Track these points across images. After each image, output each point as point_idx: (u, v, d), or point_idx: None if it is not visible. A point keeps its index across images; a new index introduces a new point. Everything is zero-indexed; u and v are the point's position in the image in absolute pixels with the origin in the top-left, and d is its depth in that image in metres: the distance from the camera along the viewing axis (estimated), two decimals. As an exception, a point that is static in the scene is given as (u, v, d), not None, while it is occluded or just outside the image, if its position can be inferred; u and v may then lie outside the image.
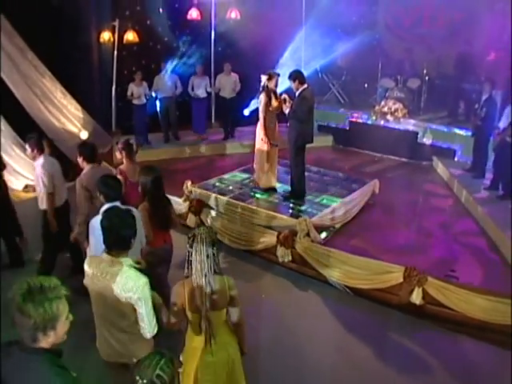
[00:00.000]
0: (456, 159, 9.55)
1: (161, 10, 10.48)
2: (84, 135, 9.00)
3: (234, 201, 6.93)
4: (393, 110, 10.15)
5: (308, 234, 6.08)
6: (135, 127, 9.91)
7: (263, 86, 6.85)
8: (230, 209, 6.87)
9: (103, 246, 2.99)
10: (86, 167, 4.89)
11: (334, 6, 10.86)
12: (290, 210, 6.81)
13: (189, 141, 10.48)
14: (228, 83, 10.19)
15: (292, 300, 5.60)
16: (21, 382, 2.00)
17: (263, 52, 10.03)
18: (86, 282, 3.06)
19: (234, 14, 10.56)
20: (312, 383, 4.37)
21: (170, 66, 10.08)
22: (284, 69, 7.95)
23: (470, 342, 4.88)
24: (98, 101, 9.84)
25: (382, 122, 10.35)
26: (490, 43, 9.10)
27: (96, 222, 3.76)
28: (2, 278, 4.77)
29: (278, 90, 7.04)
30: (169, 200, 4.58)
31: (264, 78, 6.83)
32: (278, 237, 6.07)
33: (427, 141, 9.97)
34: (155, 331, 2.98)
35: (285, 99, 6.77)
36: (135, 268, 2.98)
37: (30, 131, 5.56)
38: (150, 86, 9.73)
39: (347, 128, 11.04)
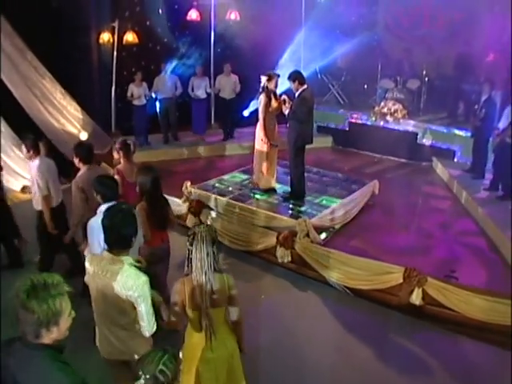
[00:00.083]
0: (455, 160, 9.56)
1: (160, 11, 10.47)
2: (83, 136, 8.99)
3: (233, 201, 6.93)
4: (392, 110, 10.16)
5: (308, 235, 6.08)
6: (135, 128, 9.91)
7: (263, 87, 6.85)
8: (230, 209, 6.86)
9: (102, 247, 3.00)
10: (83, 168, 4.88)
11: (334, 7, 10.92)
12: (290, 211, 6.81)
13: (188, 142, 10.47)
14: (228, 84, 10.19)
15: (292, 301, 5.59)
16: (23, 378, 2.03)
17: (263, 53, 10.02)
18: (86, 279, 3.09)
19: (233, 15, 10.56)
20: (312, 384, 4.37)
21: (169, 66, 10.08)
22: (284, 70, 7.94)
23: (469, 342, 4.88)
24: (97, 102, 9.84)
25: (382, 123, 10.36)
26: (490, 44, 9.10)
27: (94, 222, 3.77)
28: (2, 278, 4.77)
29: (278, 91, 7.04)
30: (166, 200, 4.60)
31: (264, 78, 6.83)
32: (277, 237, 6.07)
33: (427, 141, 9.98)
34: (154, 330, 3.00)
35: (284, 100, 6.77)
36: (135, 267, 2.99)
37: (30, 132, 5.55)
38: (150, 87, 9.74)
39: (347, 129, 11.05)
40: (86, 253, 3.73)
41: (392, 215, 7.36)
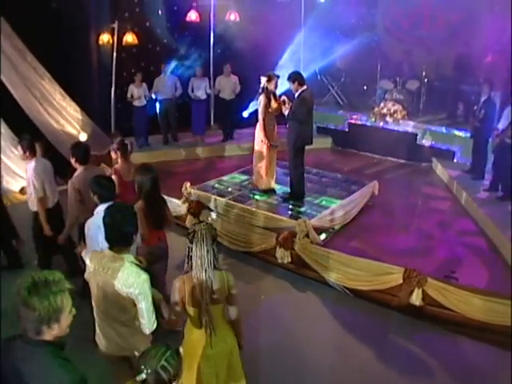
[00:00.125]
0: (455, 161, 9.55)
1: (160, 12, 10.47)
2: (83, 137, 9.00)
3: (233, 202, 6.93)
4: (392, 111, 10.15)
5: (307, 236, 6.08)
6: (135, 129, 9.91)
7: (262, 88, 6.85)
8: (229, 210, 6.86)
9: (100, 247, 3.01)
10: (79, 169, 4.88)
11: (333, 8, 10.91)
12: (290, 212, 6.80)
13: (188, 143, 10.48)
14: (228, 85, 10.19)
15: (291, 301, 5.59)
16: (25, 374, 2.05)
17: (262, 54, 10.03)
18: (86, 276, 3.12)
19: (233, 16, 10.56)
20: (311, 385, 4.36)
21: (169, 67, 10.09)
22: (283, 71, 7.94)
23: (469, 343, 4.88)
24: (97, 103, 9.85)
25: (381, 124, 10.35)
26: (489, 45, 9.11)
27: (91, 223, 3.78)
28: (2, 279, 4.76)
29: (278, 92, 7.05)
30: (164, 199, 4.61)
31: (263, 79, 6.83)
32: (277, 238, 6.07)
33: (426, 142, 9.98)
34: (154, 327, 3.03)
35: (284, 101, 6.77)
36: (136, 265, 3.02)
37: (29, 133, 5.54)
38: (150, 88, 9.73)
39: (346, 130, 11.04)
40: (83, 254, 3.73)
41: (392, 216, 7.35)
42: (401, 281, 5.17)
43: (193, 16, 10.43)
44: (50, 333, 2.06)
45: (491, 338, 4.79)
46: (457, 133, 9.53)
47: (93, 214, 3.90)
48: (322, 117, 11.04)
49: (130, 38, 9.83)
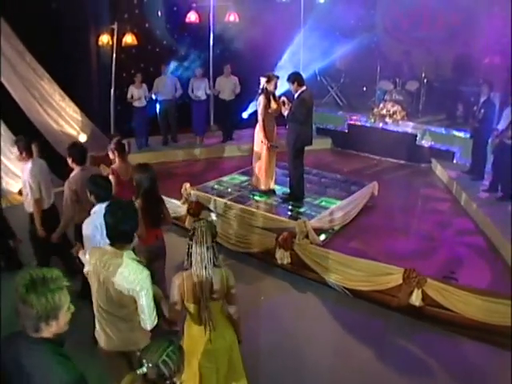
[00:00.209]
0: (455, 161, 9.55)
1: (159, 13, 10.48)
2: (82, 138, 9.00)
3: (232, 203, 6.92)
4: (391, 112, 10.16)
5: (307, 236, 6.07)
6: (135, 129, 9.91)
7: (262, 89, 6.85)
8: (229, 211, 6.85)
9: (98, 246, 3.02)
10: (76, 169, 4.88)
11: (333, 9, 10.90)
12: (289, 212, 6.80)
13: (187, 143, 10.48)
14: (228, 85, 10.20)
15: (291, 302, 5.58)
16: (24, 371, 2.07)
17: (262, 55, 10.03)
18: (86, 271, 3.17)
19: (232, 17, 10.57)
20: (311, 385, 4.36)
21: (169, 68, 10.09)
22: (283, 71, 7.94)
23: (469, 343, 4.87)
24: (96, 103, 9.85)
25: (381, 125, 10.35)
26: (489, 45, 9.11)
27: (88, 222, 3.79)
28: (1, 280, 4.76)
29: (277, 93, 7.04)
30: (161, 198, 4.64)
31: (263, 80, 6.83)
32: (276, 239, 6.06)
33: (426, 143, 9.98)
34: (155, 323, 3.05)
35: (284, 101, 6.77)
36: (137, 261, 3.05)
37: (29, 134, 5.54)
38: (150, 89, 9.73)
39: (346, 130, 11.04)
40: (80, 254, 3.73)
41: (391, 217, 7.35)
42: (400, 281, 5.17)
43: (192, 17, 10.44)
44: (49, 330, 2.08)
45: (491, 338, 4.79)
46: (456, 133, 9.53)
47: (89, 214, 3.91)
48: (322, 118, 11.04)
49: (129, 38, 9.83)
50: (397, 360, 4.63)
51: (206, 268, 3.03)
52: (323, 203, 7.05)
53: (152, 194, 4.39)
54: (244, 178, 8.00)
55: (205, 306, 3.07)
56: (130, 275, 2.92)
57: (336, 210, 6.80)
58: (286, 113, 6.74)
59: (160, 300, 3.18)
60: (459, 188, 8.13)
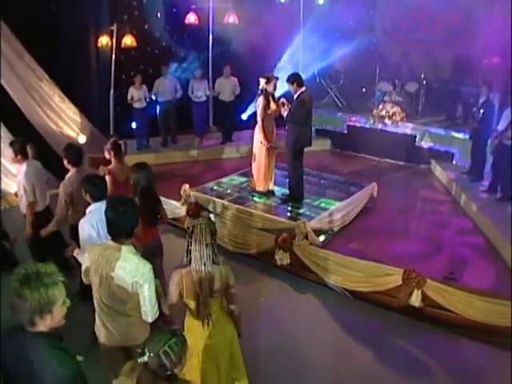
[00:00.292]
0: (454, 162, 9.54)
1: (159, 15, 10.48)
2: (82, 139, 9.00)
3: (232, 204, 6.92)
4: (391, 113, 10.16)
5: (306, 237, 6.06)
6: (136, 131, 9.91)
7: (261, 90, 6.86)
8: (228, 212, 6.84)
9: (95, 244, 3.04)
10: (71, 170, 4.89)
11: (332, 11, 10.91)
12: (289, 213, 6.80)
13: (187, 145, 10.46)
14: (227, 86, 10.20)
15: (290, 303, 5.58)
16: (22, 365, 2.10)
17: (261, 56, 10.03)
18: (86, 267, 3.19)
19: (231, 19, 10.57)
20: (311, 386, 4.35)
21: (169, 69, 10.09)
22: (282, 73, 7.96)
23: (469, 344, 4.87)
24: (95, 105, 9.85)
25: (380, 126, 10.35)
26: (488, 46, 9.11)
27: (84, 222, 3.81)
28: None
29: (277, 94, 7.05)
30: (158, 197, 4.68)
31: (262, 81, 6.83)
32: (276, 240, 6.05)
33: (425, 144, 9.98)
34: (157, 315, 3.11)
35: (283, 103, 6.77)
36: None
37: (28, 135, 5.54)
38: (149, 90, 9.73)
39: (345, 132, 11.03)
40: (75, 253, 3.74)
41: (390, 218, 7.35)
42: (400, 282, 5.17)
43: (192, 18, 10.45)
44: (44, 324, 2.11)
45: (491, 339, 4.78)
46: (456, 134, 9.52)
47: (85, 214, 3.93)
48: (321, 119, 11.04)
49: (128, 40, 9.83)
50: (396, 361, 4.63)
51: (205, 265, 3.07)
52: (322, 204, 7.05)
53: (149, 193, 4.42)
54: (243, 179, 7.99)
55: (204, 303, 3.09)
56: (134, 269, 2.98)
57: (335, 211, 6.80)
58: (285, 114, 6.73)
59: (160, 297, 3.20)
60: (459, 189, 8.13)
